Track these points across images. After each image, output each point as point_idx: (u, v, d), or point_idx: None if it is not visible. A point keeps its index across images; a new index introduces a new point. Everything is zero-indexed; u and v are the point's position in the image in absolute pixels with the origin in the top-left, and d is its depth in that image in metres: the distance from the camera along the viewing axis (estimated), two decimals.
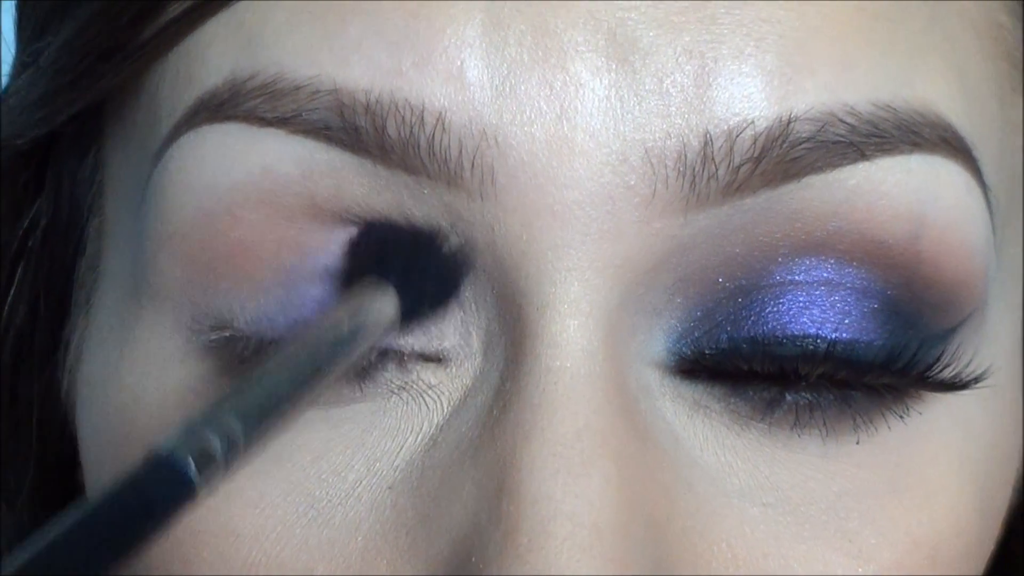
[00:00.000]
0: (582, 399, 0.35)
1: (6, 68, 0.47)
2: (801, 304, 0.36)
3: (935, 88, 0.37)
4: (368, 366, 0.37)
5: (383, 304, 0.36)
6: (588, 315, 0.35)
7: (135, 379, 0.39)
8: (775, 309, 0.36)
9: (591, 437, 0.34)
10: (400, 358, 0.37)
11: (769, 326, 0.36)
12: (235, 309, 0.37)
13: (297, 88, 0.36)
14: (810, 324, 0.36)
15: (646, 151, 0.35)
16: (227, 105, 0.37)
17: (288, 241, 0.36)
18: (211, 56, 0.37)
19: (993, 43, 0.39)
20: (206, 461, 0.30)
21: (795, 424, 0.37)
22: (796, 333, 0.36)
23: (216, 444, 0.30)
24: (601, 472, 0.34)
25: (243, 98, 0.36)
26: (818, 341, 0.36)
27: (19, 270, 0.45)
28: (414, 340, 0.37)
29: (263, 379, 0.33)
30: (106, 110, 0.42)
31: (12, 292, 0.45)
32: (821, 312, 0.36)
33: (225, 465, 0.30)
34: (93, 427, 0.41)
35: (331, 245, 0.36)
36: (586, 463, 0.34)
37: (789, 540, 0.36)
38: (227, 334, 0.37)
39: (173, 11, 0.38)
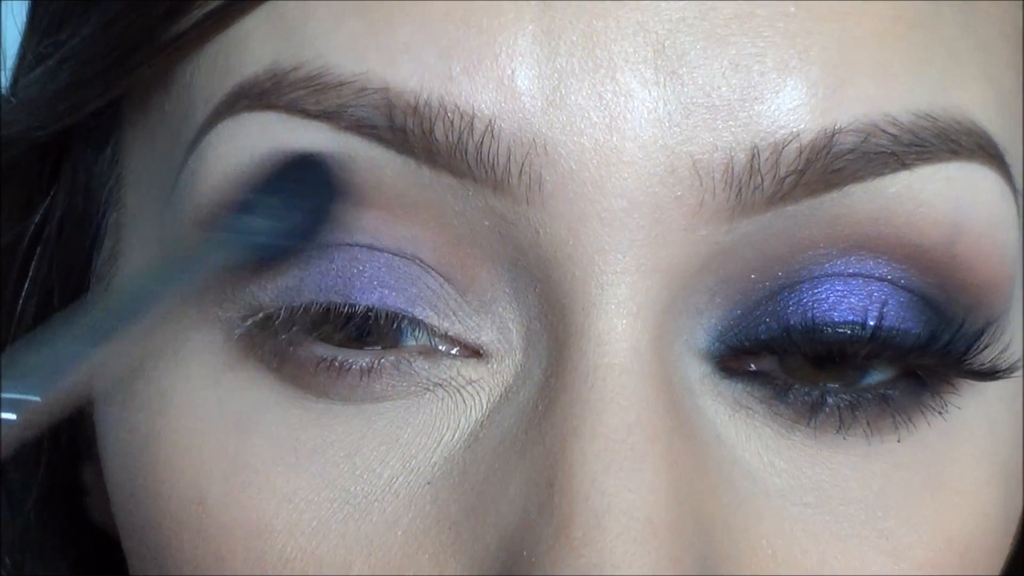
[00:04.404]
0: (631, 395, 0.35)
1: (6, 68, 0.47)
2: (840, 293, 0.37)
3: (970, 95, 0.38)
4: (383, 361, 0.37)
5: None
6: (636, 316, 0.35)
7: (160, 373, 0.39)
8: (814, 298, 0.37)
9: (641, 432, 0.35)
10: (430, 352, 0.37)
11: (810, 314, 0.37)
12: (257, 294, 0.37)
13: (343, 84, 0.36)
14: (849, 312, 0.37)
15: (694, 163, 0.35)
16: (269, 94, 0.37)
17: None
18: (252, 45, 0.37)
19: (1020, 49, 0.40)
20: None
21: (840, 426, 0.37)
22: (838, 320, 0.37)
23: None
24: (652, 467, 0.34)
25: (286, 88, 0.36)
26: (863, 325, 0.37)
27: (32, 263, 0.44)
28: (448, 325, 0.37)
29: (53, 336, 0.33)
30: (126, 101, 0.42)
31: (26, 285, 0.44)
32: (859, 300, 0.37)
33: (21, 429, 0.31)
34: (114, 421, 0.40)
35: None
36: (638, 458, 0.34)
37: (827, 538, 0.37)
38: (260, 316, 0.37)
39: (211, 4, 0.38)
